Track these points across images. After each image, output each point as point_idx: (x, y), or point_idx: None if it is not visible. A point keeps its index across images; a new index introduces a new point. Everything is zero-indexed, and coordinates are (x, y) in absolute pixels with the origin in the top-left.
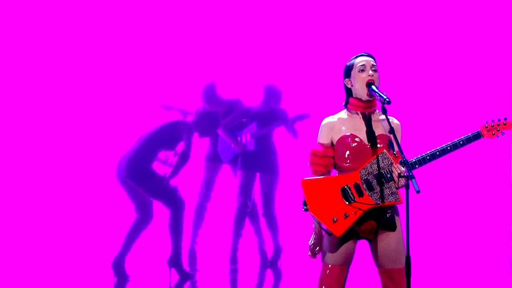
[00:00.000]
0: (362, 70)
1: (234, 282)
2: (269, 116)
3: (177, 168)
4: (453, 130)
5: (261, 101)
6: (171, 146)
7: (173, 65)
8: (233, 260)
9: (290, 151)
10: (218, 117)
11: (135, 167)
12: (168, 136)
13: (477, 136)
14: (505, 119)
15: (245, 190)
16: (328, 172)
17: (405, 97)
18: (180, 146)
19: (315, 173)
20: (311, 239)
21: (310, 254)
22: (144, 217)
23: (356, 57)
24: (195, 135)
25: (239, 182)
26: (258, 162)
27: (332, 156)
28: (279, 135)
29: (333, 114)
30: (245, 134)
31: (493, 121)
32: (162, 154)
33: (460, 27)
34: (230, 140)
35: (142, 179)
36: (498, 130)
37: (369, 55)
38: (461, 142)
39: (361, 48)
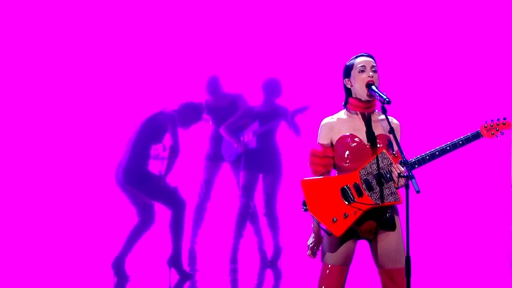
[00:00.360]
0: (362, 71)
1: (234, 282)
2: (271, 114)
3: (170, 162)
4: (453, 130)
5: (262, 98)
6: (157, 139)
7: (172, 65)
8: (233, 260)
9: (292, 151)
10: (201, 108)
11: (132, 171)
12: (152, 129)
13: (476, 136)
14: (505, 118)
15: (248, 190)
16: (328, 172)
17: (405, 97)
18: (167, 139)
19: (315, 173)
20: (310, 239)
21: (309, 253)
22: (145, 220)
23: (356, 57)
24: (180, 127)
25: (241, 182)
26: (261, 162)
27: (331, 157)
28: (282, 134)
29: (334, 111)
30: (247, 133)
31: (492, 120)
32: (152, 150)
33: (460, 27)
34: (233, 140)
35: (141, 183)
36: (498, 130)
37: (369, 56)
38: (460, 142)
39: (361, 47)
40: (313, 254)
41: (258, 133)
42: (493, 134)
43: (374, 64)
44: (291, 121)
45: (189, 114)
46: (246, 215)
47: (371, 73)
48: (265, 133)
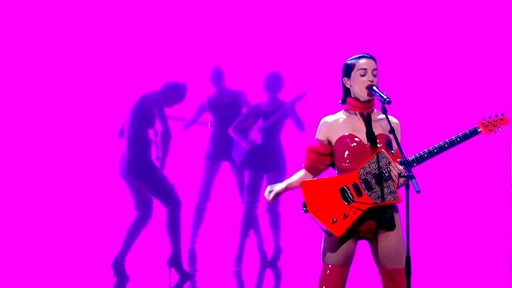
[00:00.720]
0: (363, 75)
1: (234, 282)
2: (276, 111)
3: (165, 147)
4: (452, 128)
5: (264, 95)
6: (148, 123)
7: (174, 63)
8: (239, 259)
9: (297, 149)
10: (184, 87)
11: (135, 163)
12: (141, 114)
13: (474, 132)
14: (502, 114)
15: (253, 190)
16: (316, 169)
17: (404, 96)
18: (157, 124)
19: (304, 166)
20: (271, 187)
21: (267, 196)
22: (143, 215)
23: (358, 57)
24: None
25: (247, 182)
26: (266, 161)
27: (322, 154)
28: (287, 133)
29: (337, 107)
30: (253, 131)
31: (490, 117)
32: (149, 136)
33: (459, 27)
34: (241, 139)
35: (145, 173)
36: (496, 126)
37: (371, 57)
38: (458, 139)
39: (361, 44)
40: (271, 198)
41: (262, 129)
42: (491, 130)
43: (375, 67)
44: (292, 112)
45: (171, 93)
46: (251, 214)
47: (371, 77)
48: (269, 132)
